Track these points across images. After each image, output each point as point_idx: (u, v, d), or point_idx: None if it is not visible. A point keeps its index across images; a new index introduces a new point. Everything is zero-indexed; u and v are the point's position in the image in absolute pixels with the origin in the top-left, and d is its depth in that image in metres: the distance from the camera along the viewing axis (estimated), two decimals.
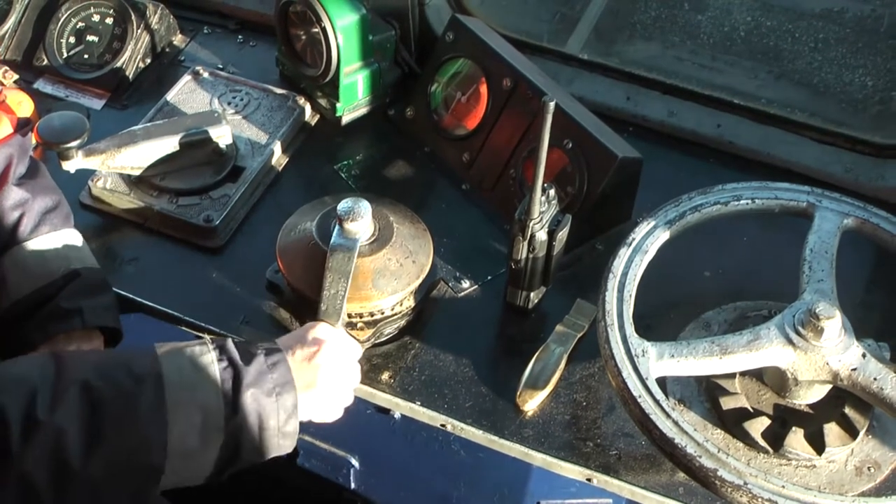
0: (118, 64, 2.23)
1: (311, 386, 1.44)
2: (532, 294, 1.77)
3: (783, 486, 1.37)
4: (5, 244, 1.67)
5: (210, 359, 1.36)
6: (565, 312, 1.79)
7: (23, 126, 1.73)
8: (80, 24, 2.28)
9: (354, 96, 2.14)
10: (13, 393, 1.23)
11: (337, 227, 1.63)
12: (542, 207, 1.64)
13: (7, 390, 1.24)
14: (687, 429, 1.43)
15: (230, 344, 1.39)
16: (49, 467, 1.22)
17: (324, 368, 1.45)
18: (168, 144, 1.92)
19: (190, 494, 1.91)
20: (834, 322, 1.49)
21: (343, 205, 1.63)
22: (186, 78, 2.19)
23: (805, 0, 3.98)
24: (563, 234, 1.69)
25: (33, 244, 1.68)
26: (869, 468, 1.56)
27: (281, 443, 1.39)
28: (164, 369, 1.32)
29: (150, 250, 1.92)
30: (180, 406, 1.30)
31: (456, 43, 2.08)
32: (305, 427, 2.04)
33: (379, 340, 1.75)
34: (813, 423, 1.56)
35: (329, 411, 1.50)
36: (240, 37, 2.40)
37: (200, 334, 1.82)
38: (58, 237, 1.71)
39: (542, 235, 1.66)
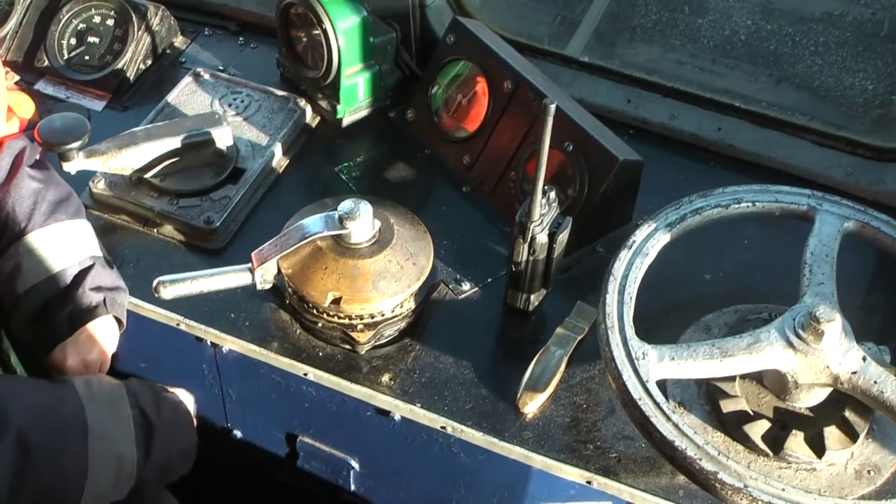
0: (119, 65, 2.23)
1: None
2: (532, 296, 1.77)
3: (783, 489, 1.37)
4: (20, 231, 1.69)
5: (126, 410, 1.46)
6: (566, 315, 1.79)
7: (30, 128, 1.75)
8: (81, 26, 2.28)
9: (355, 98, 2.14)
10: None
11: (334, 216, 1.64)
12: (543, 210, 1.64)
13: None
14: (687, 431, 1.43)
15: (143, 395, 1.50)
16: None
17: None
18: (169, 146, 1.92)
19: (191, 495, 1.92)
20: (834, 325, 1.48)
21: (344, 206, 1.64)
22: (187, 79, 2.19)
23: (805, 4, 3.99)
24: (563, 237, 1.69)
25: (48, 231, 1.69)
26: (869, 471, 1.56)
27: (176, 476, 1.58)
28: (90, 421, 1.40)
29: (150, 251, 1.92)
30: (100, 455, 1.40)
31: (457, 45, 2.08)
32: (304, 429, 2.05)
33: (379, 342, 1.75)
34: (813, 426, 1.56)
35: None
36: (241, 38, 2.40)
37: (200, 336, 1.82)
38: (72, 226, 1.72)
39: (542, 238, 1.66)
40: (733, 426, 1.58)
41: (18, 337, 1.75)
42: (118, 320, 1.72)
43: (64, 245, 1.70)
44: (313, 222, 1.66)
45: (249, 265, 1.65)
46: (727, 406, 1.59)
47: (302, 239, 1.64)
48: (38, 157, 1.76)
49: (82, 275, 1.68)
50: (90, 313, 1.67)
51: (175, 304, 1.81)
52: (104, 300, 1.68)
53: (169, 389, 1.60)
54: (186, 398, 1.63)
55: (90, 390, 1.45)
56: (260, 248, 1.66)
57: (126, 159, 1.89)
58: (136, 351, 1.92)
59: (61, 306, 1.66)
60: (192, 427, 1.60)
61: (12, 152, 1.71)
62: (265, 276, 1.65)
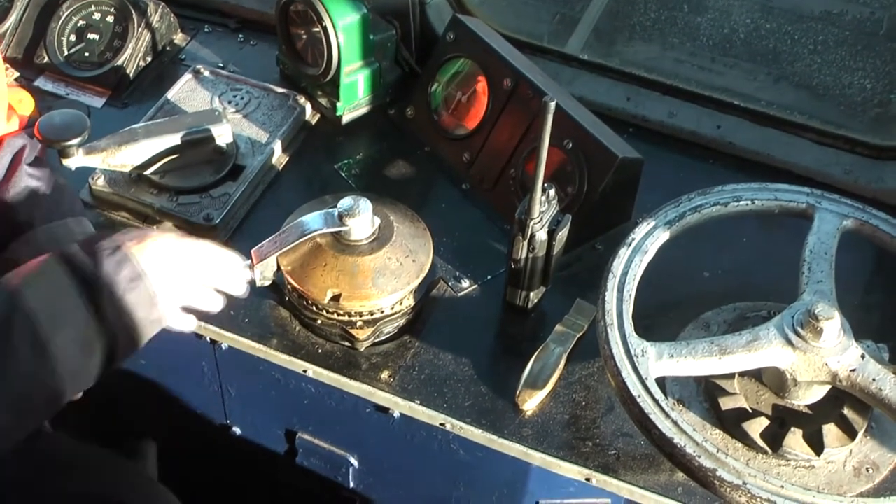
0: (119, 62, 2.23)
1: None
2: (532, 294, 1.77)
3: (782, 487, 1.37)
4: (19, 228, 1.69)
5: (64, 279, 1.40)
6: (565, 312, 1.79)
7: (28, 126, 1.75)
8: (81, 22, 2.28)
9: (355, 95, 2.14)
10: None
11: (334, 213, 1.64)
12: (542, 207, 1.64)
13: None
14: (686, 429, 1.43)
15: (77, 255, 1.42)
16: None
17: (159, 261, 1.48)
18: (168, 143, 1.92)
19: (189, 492, 1.92)
20: (833, 323, 1.49)
21: (344, 202, 1.64)
22: (187, 76, 2.19)
23: (804, 2, 3.99)
24: (562, 234, 1.70)
25: (46, 230, 1.69)
26: (867, 469, 1.56)
27: (154, 326, 1.47)
28: (28, 304, 1.36)
29: None
30: (55, 332, 1.36)
31: (456, 43, 2.08)
32: (303, 426, 2.06)
33: (378, 339, 1.75)
34: (812, 423, 1.56)
35: (173, 309, 1.52)
36: (240, 36, 2.40)
37: (199, 333, 1.82)
38: (70, 224, 1.73)
39: (541, 235, 1.66)
40: (732, 423, 1.58)
41: None
42: None
43: (62, 244, 1.68)
44: (313, 219, 1.66)
45: (249, 262, 1.64)
46: (726, 403, 1.59)
47: (302, 236, 1.65)
48: (37, 155, 1.77)
49: None
50: None
51: None
52: None
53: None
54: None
55: (18, 277, 1.41)
56: (259, 245, 1.66)
57: (126, 156, 1.89)
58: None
59: None
60: (145, 273, 1.45)
61: (12, 150, 1.71)
62: (265, 272, 1.65)
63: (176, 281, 1.49)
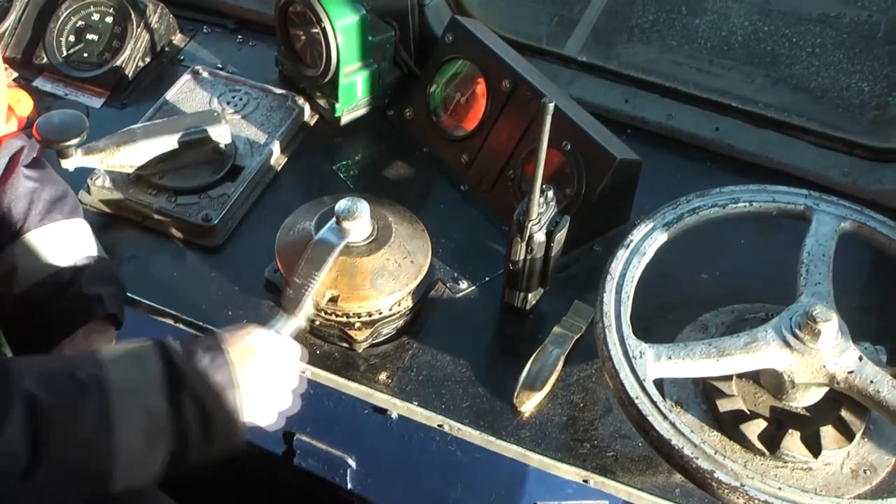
0: (118, 63, 2.23)
1: (244, 389, 1.42)
2: (530, 295, 1.77)
3: (779, 488, 1.37)
4: (16, 231, 1.68)
5: (153, 362, 1.36)
6: (563, 314, 1.79)
7: (27, 126, 1.75)
8: (80, 23, 2.28)
9: (354, 96, 2.14)
10: None
11: (332, 222, 1.63)
12: (541, 209, 1.64)
13: None
14: (684, 430, 1.43)
15: (172, 345, 1.39)
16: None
17: (256, 374, 1.44)
18: (167, 143, 1.92)
19: (187, 493, 1.92)
20: (831, 325, 1.49)
21: (342, 204, 1.64)
22: (186, 77, 2.19)
23: (803, 5, 4.00)
24: (561, 236, 1.70)
25: (44, 231, 1.69)
26: (865, 471, 1.56)
27: (229, 441, 1.40)
28: (109, 375, 1.32)
29: (148, 249, 1.92)
30: (125, 411, 1.31)
31: (455, 44, 2.08)
32: (302, 426, 2.06)
33: (377, 340, 1.75)
34: (809, 425, 1.56)
35: (264, 415, 1.48)
36: (239, 36, 2.40)
37: (197, 333, 1.82)
38: (67, 226, 1.72)
39: (540, 237, 1.66)
40: (730, 425, 1.58)
41: (16, 338, 1.72)
42: (116, 319, 1.71)
43: (60, 245, 1.70)
44: (327, 236, 1.64)
45: (285, 316, 1.57)
46: (724, 405, 1.59)
47: (325, 260, 1.61)
48: (35, 156, 1.77)
49: (79, 275, 1.68)
50: (87, 313, 1.66)
51: (173, 302, 1.81)
52: (101, 300, 1.67)
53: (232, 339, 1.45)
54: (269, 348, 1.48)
55: (113, 351, 1.39)
56: (287, 294, 1.58)
57: (124, 157, 1.89)
58: None
59: (58, 307, 1.66)
60: (236, 382, 1.40)
61: (10, 151, 1.71)
62: (307, 314, 1.60)
63: (264, 396, 1.46)
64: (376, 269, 1.66)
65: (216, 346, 1.41)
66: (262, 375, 1.45)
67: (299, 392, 1.52)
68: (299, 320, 1.57)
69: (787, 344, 1.50)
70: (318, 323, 1.72)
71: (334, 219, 1.63)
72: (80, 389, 1.30)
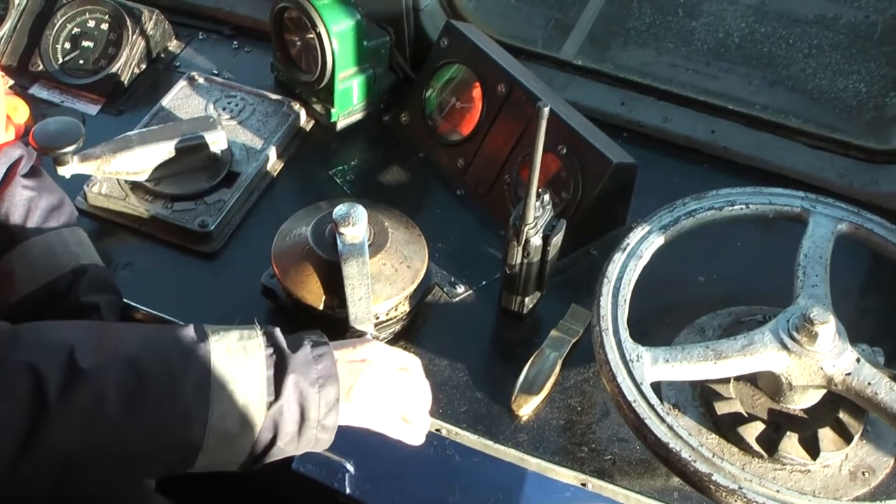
0: (113, 69, 2.23)
1: (350, 391, 1.43)
2: (527, 299, 1.77)
3: (778, 491, 1.37)
4: (13, 240, 1.68)
5: (257, 343, 1.36)
6: (560, 317, 1.79)
7: (25, 133, 1.75)
8: (76, 30, 2.28)
9: (349, 102, 2.14)
10: (53, 353, 1.25)
11: (339, 236, 1.63)
12: (537, 213, 1.64)
13: (47, 350, 1.25)
14: (682, 433, 1.43)
15: (277, 331, 1.41)
16: (87, 423, 1.23)
17: (366, 381, 1.44)
18: (163, 150, 1.92)
19: (184, 498, 1.92)
20: (828, 327, 1.49)
21: (339, 210, 1.63)
22: (181, 84, 2.19)
23: (799, 6, 4.00)
24: (557, 240, 1.70)
25: (40, 240, 1.69)
26: (863, 473, 1.56)
27: (319, 436, 1.39)
28: (213, 347, 1.33)
29: (144, 255, 1.92)
30: (225, 387, 1.31)
31: (450, 49, 2.08)
32: None
33: None
34: (807, 427, 1.56)
35: (387, 426, 1.50)
36: (235, 43, 2.40)
37: None
38: (64, 234, 1.73)
39: (536, 240, 1.66)
40: (728, 428, 1.58)
41: None
42: None
43: (57, 254, 1.70)
44: (348, 247, 1.62)
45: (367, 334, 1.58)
46: (721, 408, 1.59)
47: (364, 270, 1.61)
48: (33, 164, 1.77)
49: (76, 284, 1.68)
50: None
51: (169, 308, 1.81)
52: (98, 309, 1.67)
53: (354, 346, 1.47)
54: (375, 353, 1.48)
55: (216, 328, 1.37)
56: (352, 322, 1.58)
57: (121, 163, 1.89)
58: None
59: (55, 316, 1.65)
60: (339, 376, 1.40)
61: (8, 161, 1.71)
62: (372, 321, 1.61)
63: (372, 404, 1.46)
64: (373, 273, 1.66)
65: (323, 339, 1.43)
66: (378, 379, 1.46)
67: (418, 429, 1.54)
68: (372, 330, 1.59)
69: (785, 346, 1.50)
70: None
71: (336, 231, 1.63)
72: (183, 356, 1.31)
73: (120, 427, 1.25)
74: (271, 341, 1.38)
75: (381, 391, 1.47)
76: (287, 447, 1.37)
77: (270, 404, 1.33)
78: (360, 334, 1.58)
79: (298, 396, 1.35)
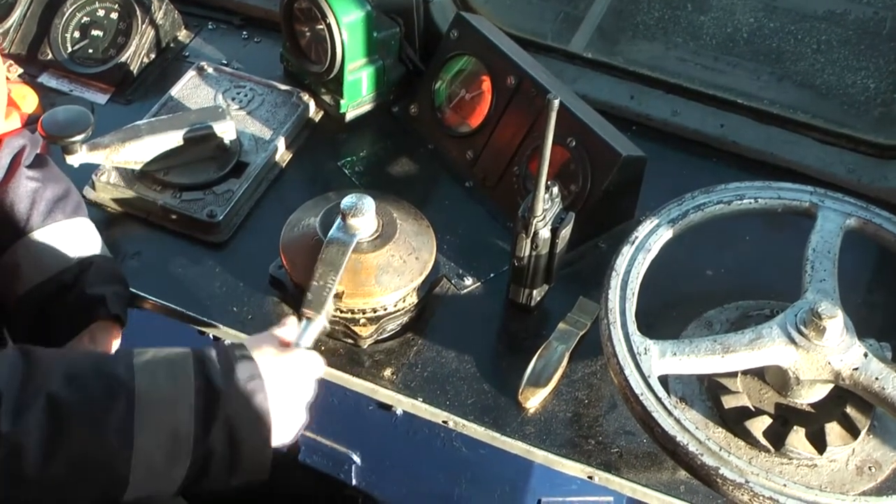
0: (123, 59, 2.23)
1: (275, 417, 1.39)
2: (535, 291, 1.77)
3: (784, 485, 1.37)
4: (18, 232, 1.68)
5: (188, 375, 1.32)
6: (568, 310, 1.79)
7: (32, 122, 1.74)
8: (85, 19, 2.28)
9: (358, 93, 2.14)
10: None
11: (339, 220, 1.63)
12: (546, 205, 1.64)
13: None
14: (689, 427, 1.43)
15: (210, 358, 1.35)
16: (5, 473, 1.21)
17: (287, 400, 1.42)
18: (172, 139, 1.92)
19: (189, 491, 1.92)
20: (836, 321, 1.49)
21: (347, 200, 1.64)
22: (191, 73, 2.19)
23: (808, 2, 3.99)
24: (566, 232, 1.70)
25: (46, 231, 1.69)
26: (870, 468, 1.56)
27: (254, 472, 1.36)
28: (138, 383, 1.29)
29: (153, 245, 1.92)
30: (150, 424, 1.28)
31: (460, 40, 2.08)
32: (307, 423, 2.05)
33: (381, 337, 1.75)
34: (814, 422, 1.56)
35: (287, 437, 1.44)
36: (244, 33, 2.40)
37: (202, 329, 1.82)
38: (70, 225, 1.72)
39: (545, 233, 1.66)
40: (735, 422, 1.58)
41: (19, 339, 1.72)
42: (120, 319, 1.71)
43: (63, 245, 1.70)
44: (338, 235, 1.63)
45: (307, 322, 1.56)
46: (729, 402, 1.59)
47: (342, 259, 1.61)
48: (38, 153, 1.76)
49: (82, 275, 1.68)
50: (90, 314, 1.66)
51: (177, 298, 1.81)
52: (105, 300, 1.67)
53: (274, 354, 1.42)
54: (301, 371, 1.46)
55: (145, 357, 1.33)
56: (307, 299, 1.56)
57: (129, 153, 1.89)
58: (138, 345, 1.91)
59: (61, 308, 1.66)
60: (270, 412, 1.36)
61: (12, 150, 1.71)
62: (329, 312, 1.59)
63: (291, 420, 1.43)
64: (381, 265, 1.67)
65: (256, 371, 1.37)
66: (292, 401, 1.43)
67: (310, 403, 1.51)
68: (323, 321, 1.56)
69: (792, 340, 1.50)
70: None
71: (340, 217, 1.63)
72: (107, 392, 1.27)
73: (41, 474, 1.22)
74: (202, 371, 1.33)
75: (294, 411, 1.44)
76: (220, 482, 1.34)
77: (198, 442, 1.30)
78: (308, 317, 1.55)
79: (229, 435, 1.32)
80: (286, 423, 1.42)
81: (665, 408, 1.45)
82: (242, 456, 1.34)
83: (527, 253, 1.69)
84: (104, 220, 1.94)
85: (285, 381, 1.41)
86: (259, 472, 1.37)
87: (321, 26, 2.05)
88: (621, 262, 1.63)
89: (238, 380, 1.34)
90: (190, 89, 2.16)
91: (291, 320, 1.55)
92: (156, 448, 1.28)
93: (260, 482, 1.37)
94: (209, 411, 1.31)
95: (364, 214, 1.64)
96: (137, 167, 1.93)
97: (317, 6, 2.02)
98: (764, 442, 1.55)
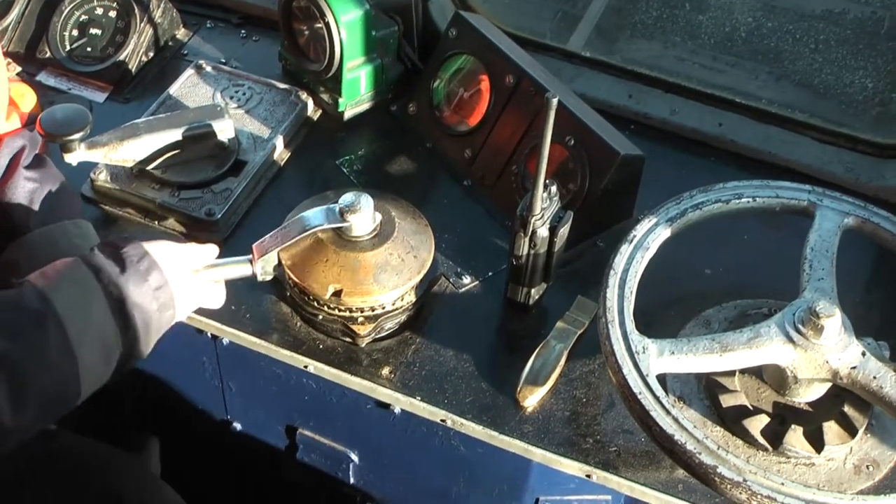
0: (121, 57, 2.23)
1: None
2: (533, 290, 1.77)
3: (782, 484, 1.37)
4: (16, 232, 1.69)
5: (92, 283, 1.42)
6: (566, 309, 1.79)
7: (31, 122, 1.74)
8: (84, 17, 2.28)
9: (357, 91, 2.14)
10: None
11: (335, 207, 1.64)
12: (544, 204, 1.64)
13: None
14: (687, 426, 1.43)
15: (101, 260, 1.45)
16: None
17: (180, 270, 1.55)
18: (170, 138, 1.92)
19: (189, 489, 1.92)
20: (834, 320, 1.49)
21: (345, 198, 1.64)
22: (189, 72, 2.19)
23: (806, 1, 4.00)
24: (564, 231, 1.70)
25: (43, 232, 1.69)
26: (868, 466, 1.56)
27: (162, 330, 1.52)
28: (58, 307, 1.38)
29: None
30: (82, 337, 1.39)
31: (459, 39, 2.08)
32: (304, 421, 2.06)
33: (379, 335, 1.75)
34: (812, 421, 1.57)
35: (193, 303, 1.61)
36: (243, 31, 2.40)
37: (200, 328, 1.82)
38: (67, 226, 1.72)
39: (543, 232, 1.66)
40: (733, 421, 1.59)
41: None
42: None
43: (59, 246, 1.69)
44: (314, 215, 1.67)
45: (250, 256, 1.65)
46: (727, 401, 1.59)
47: (303, 231, 1.65)
48: (37, 153, 1.76)
49: None
50: None
51: None
52: None
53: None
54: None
55: (45, 280, 1.43)
56: (261, 240, 1.66)
57: (128, 151, 1.89)
58: None
59: None
60: (168, 281, 1.51)
61: (11, 151, 1.71)
62: (266, 267, 1.65)
63: (189, 282, 1.57)
64: (379, 263, 1.67)
65: (143, 251, 1.49)
66: (185, 272, 1.57)
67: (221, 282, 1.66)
68: (253, 268, 1.65)
69: (791, 339, 1.50)
70: (320, 318, 1.72)
71: (337, 207, 1.64)
72: (38, 328, 1.36)
73: (18, 423, 1.33)
74: (102, 274, 1.43)
75: (187, 265, 1.58)
76: (140, 353, 1.49)
77: (123, 334, 1.44)
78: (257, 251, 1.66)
79: (142, 317, 1.45)
80: (188, 293, 1.57)
81: (663, 406, 1.45)
82: (155, 329, 1.49)
83: (525, 252, 1.69)
84: (102, 218, 1.94)
85: (172, 255, 1.54)
86: (164, 329, 1.53)
87: (320, 25, 2.04)
88: (619, 261, 1.63)
89: (132, 265, 1.47)
90: (188, 88, 2.16)
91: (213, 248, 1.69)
92: (93, 355, 1.41)
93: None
94: (121, 304, 1.43)
95: (362, 212, 1.64)
96: (135, 166, 1.93)
97: (315, 5, 2.02)
98: (762, 441, 1.55)
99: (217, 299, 1.66)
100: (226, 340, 1.89)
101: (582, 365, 1.74)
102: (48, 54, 2.26)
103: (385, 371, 1.72)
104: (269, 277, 1.67)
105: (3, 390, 1.30)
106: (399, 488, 2.10)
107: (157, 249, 1.51)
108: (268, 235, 1.66)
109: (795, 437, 1.54)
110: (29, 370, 1.34)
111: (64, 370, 1.37)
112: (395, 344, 1.76)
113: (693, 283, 1.87)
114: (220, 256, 1.69)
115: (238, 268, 1.66)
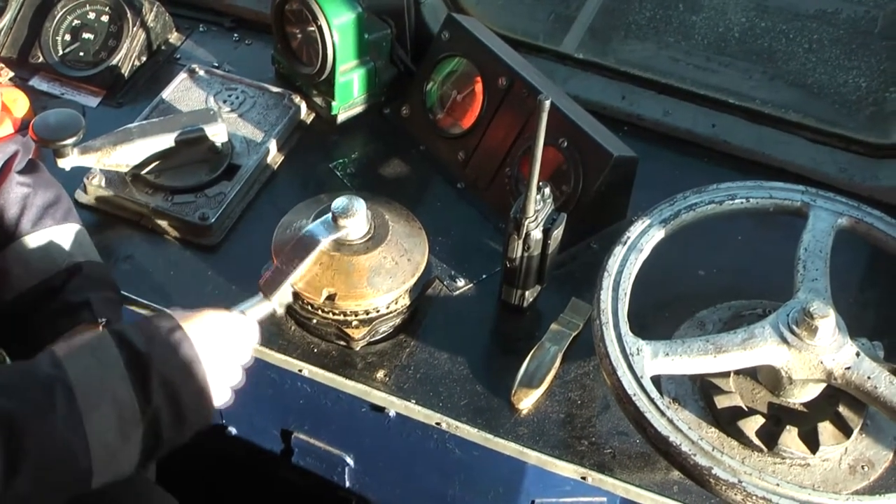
0: (114, 62, 2.23)
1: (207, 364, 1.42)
2: (527, 292, 1.77)
3: (777, 485, 1.37)
4: (8, 237, 1.68)
5: (111, 351, 1.34)
6: (560, 311, 1.79)
7: (24, 127, 1.74)
8: (76, 22, 2.28)
9: (350, 95, 2.14)
10: None
11: (326, 217, 1.64)
12: (538, 206, 1.64)
13: None
14: (681, 427, 1.43)
15: (128, 330, 1.37)
16: None
17: (215, 350, 1.43)
18: (163, 142, 1.92)
19: (185, 492, 1.92)
20: (828, 321, 1.49)
21: (338, 202, 1.64)
22: (182, 76, 2.19)
23: (799, 1, 3.99)
24: (558, 233, 1.70)
25: (36, 237, 1.69)
26: (863, 467, 1.56)
27: (201, 417, 1.40)
28: (70, 374, 1.30)
29: (144, 248, 1.92)
30: (93, 408, 1.29)
31: (452, 41, 2.08)
32: (300, 425, 2.06)
33: (374, 339, 1.75)
34: (807, 421, 1.57)
35: (222, 394, 1.47)
36: (235, 35, 2.40)
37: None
38: (60, 231, 1.72)
39: (537, 234, 1.66)
40: (727, 422, 1.58)
41: (5, 345, 1.71)
42: (109, 324, 1.68)
43: (52, 251, 1.69)
44: (316, 230, 1.64)
45: (260, 297, 1.59)
46: (721, 402, 1.59)
47: (309, 252, 1.62)
48: (30, 158, 1.76)
49: (69, 281, 1.67)
50: (73, 320, 1.65)
51: (169, 302, 1.81)
52: (90, 305, 1.66)
53: (186, 318, 1.43)
54: (213, 322, 1.47)
55: (69, 346, 1.36)
56: (264, 275, 1.61)
57: (121, 156, 1.89)
58: None
59: (46, 313, 1.65)
60: (200, 357, 1.40)
61: (4, 156, 1.70)
62: (282, 300, 1.61)
63: (224, 364, 1.46)
64: (373, 267, 1.66)
65: (175, 324, 1.40)
66: (221, 352, 1.45)
67: (246, 365, 1.53)
68: (272, 304, 1.58)
69: (785, 340, 1.50)
70: (315, 321, 1.72)
71: (330, 214, 1.64)
72: (44, 391, 1.28)
73: (7, 491, 1.23)
74: (123, 342, 1.35)
75: (225, 364, 1.47)
76: (174, 438, 1.38)
77: (144, 409, 1.32)
78: (268, 289, 1.59)
79: (168, 387, 1.34)
80: (219, 374, 1.44)
81: (658, 408, 1.45)
82: (185, 407, 1.37)
83: (519, 254, 1.68)
84: (95, 223, 1.94)
85: (210, 333, 1.43)
86: (204, 418, 1.41)
87: (312, 28, 2.04)
88: (613, 263, 1.63)
89: (160, 337, 1.37)
90: (181, 92, 2.16)
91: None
92: (107, 429, 1.30)
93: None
94: (143, 376, 1.33)
95: (355, 216, 1.64)
96: (129, 170, 1.93)
97: (308, 8, 2.02)
98: (757, 442, 1.55)
99: (240, 380, 1.53)
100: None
101: (576, 367, 1.74)
102: (41, 59, 2.26)
103: (380, 374, 1.72)
104: (283, 310, 1.64)
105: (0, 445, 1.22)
106: (395, 492, 2.10)
107: (195, 328, 1.41)
108: (270, 271, 1.61)
109: (790, 437, 1.54)
110: (28, 432, 1.24)
111: (69, 441, 1.27)
112: (390, 347, 1.76)
113: (687, 284, 1.87)
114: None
115: (259, 310, 1.59)
